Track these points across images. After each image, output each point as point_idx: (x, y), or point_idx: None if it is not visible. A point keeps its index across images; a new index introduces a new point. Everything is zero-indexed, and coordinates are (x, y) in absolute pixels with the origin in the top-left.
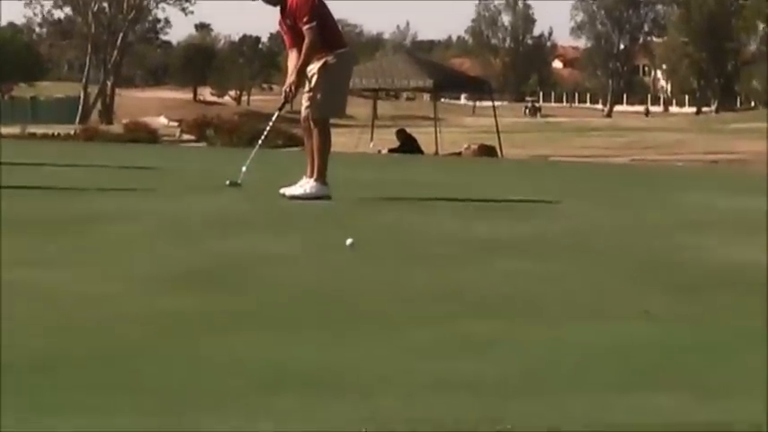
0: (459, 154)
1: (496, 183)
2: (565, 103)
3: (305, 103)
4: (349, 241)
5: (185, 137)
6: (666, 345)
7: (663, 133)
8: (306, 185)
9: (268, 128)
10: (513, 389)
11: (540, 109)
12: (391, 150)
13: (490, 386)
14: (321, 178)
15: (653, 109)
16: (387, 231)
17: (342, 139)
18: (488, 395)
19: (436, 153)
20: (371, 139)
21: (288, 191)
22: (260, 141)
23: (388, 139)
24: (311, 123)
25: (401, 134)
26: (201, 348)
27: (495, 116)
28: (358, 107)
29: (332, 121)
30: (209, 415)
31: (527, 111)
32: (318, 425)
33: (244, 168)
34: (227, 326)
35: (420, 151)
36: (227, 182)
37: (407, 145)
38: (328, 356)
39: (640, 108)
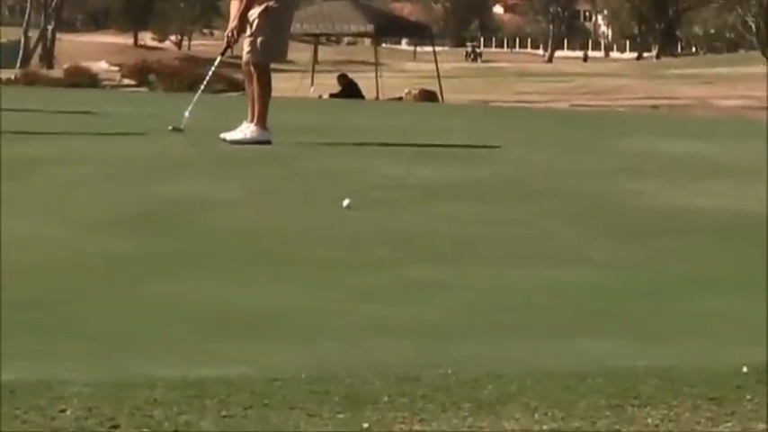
0: (400, 99)
1: (437, 127)
2: (506, 49)
3: (246, 47)
4: (346, 202)
5: (126, 81)
6: (608, 290)
7: (604, 78)
8: (246, 130)
9: (210, 73)
10: (454, 333)
11: (480, 54)
12: (332, 95)
13: (431, 330)
14: (262, 123)
15: (594, 54)
16: (327, 176)
17: (282, 84)
18: (429, 339)
19: (377, 98)
20: (312, 83)
21: (229, 135)
22: (202, 86)
23: (329, 84)
24: (252, 68)
25: (342, 79)
26: (143, 293)
27: (435, 61)
28: (299, 52)
29: (273, 65)
30: (149, 361)
31: (468, 56)
32: (260, 369)
33: (186, 113)
34: (168, 270)
35: (361, 96)
36: (170, 127)
37: (348, 90)
38: (270, 301)
39: (581, 53)
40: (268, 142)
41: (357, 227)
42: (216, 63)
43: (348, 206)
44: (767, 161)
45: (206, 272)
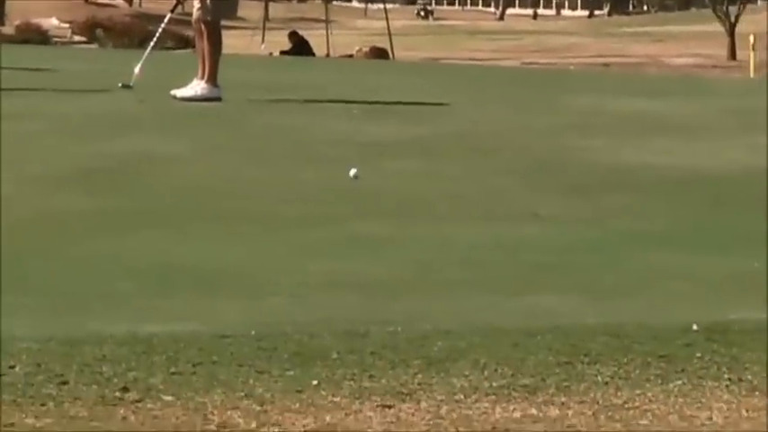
0: (351, 56)
1: (388, 85)
2: (457, 6)
3: (197, 4)
4: (353, 171)
5: (76, 38)
6: (557, 246)
7: (555, 36)
8: (197, 87)
9: (160, 30)
10: (403, 289)
11: (432, 12)
12: (283, 53)
13: (381, 286)
14: (212, 80)
15: (545, 12)
16: (277, 132)
17: (233, 42)
18: (378, 296)
19: (328, 55)
20: (263, 41)
21: (179, 92)
22: (152, 43)
23: (279, 41)
24: (203, 25)
25: (293, 36)
26: (92, 249)
27: (386, 19)
28: (249, 9)
29: (223, 23)
30: (99, 317)
31: (419, 14)
32: (208, 326)
33: (136, 70)
34: (117, 226)
35: (312, 54)
36: (120, 84)
37: (299, 47)
38: (218, 257)
39: (530, 11)
40: (218, 99)
41: (307, 183)
42: (166, 20)
43: (355, 176)
44: (716, 118)
45: (155, 228)
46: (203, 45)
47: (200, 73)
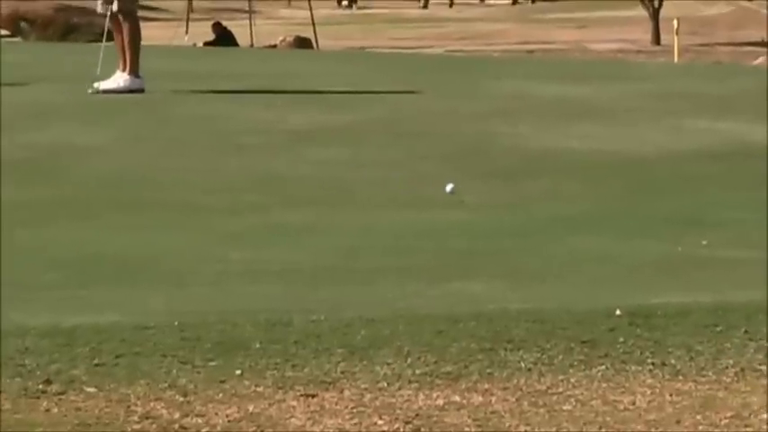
0: (275, 46)
1: (311, 74)
2: None
3: None
4: (449, 187)
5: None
6: (481, 232)
7: (479, 24)
8: (120, 79)
9: (107, 25)
10: (326, 277)
11: (356, 1)
12: (206, 43)
13: (304, 275)
14: (134, 71)
15: (469, 0)
16: (201, 122)
17: (157, 33)
18: (302, 284)
19: (251, 45)
20: (186, 32)
21: (102, 85)
22: (104, 39)
23: (203, 32)
24: (120, 17)
25: (216, 27)
26: (14, 240)
27: (310, 8)
28: (173, 0)
29: (147, 14)
30: (21, 309)
31: (340, 3)
32: (131, 317)
33: (98, 72)
34: (40, 217)
35: (235, 44)
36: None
37: (223, 38)
38: (141, 247)
39: None
40: (141, 90)
41: (230, 172)
42: (108, 13)
43: (451, 191)
44: (640, 103)
45: (78, 218)
46: (122, 37)
47: (121, 65)
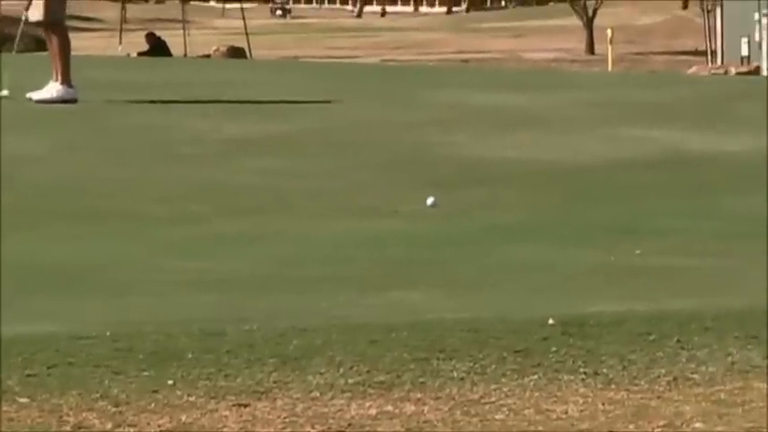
0: (209, 56)
1: (246, 83)
2: (315, 4)
3: (33, 9)
4: (430, 201)
5: None
6: (417, 241)
7: (414, 33)
8: (52, 89)
9: (20, 32)
10: (261, 287)
11: (290, 10)
12: (140, 54)
13: (239, 285)
14: (66, 81)
15: (404, 9)
16: (137, 132)
17: (91, 43)
18: (237, 294)
19: (185, 55)
20: (120, 42)
21: (35, 95)
22: (15, 46)
23: (137, 42)
24: (49, 28)
25: (150, 37)
26: None
27: (243, 18)
28: (107, 10)
29: (80, 24)
30: None
31: (276, 12)
32: (65, 327)
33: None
34: None
35: (169, 54)
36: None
37: (156, 48)
38: (77, 256)
39: (390, 8)
40: (74, 101)
41: (166, 182)
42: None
43: (433, 204)
44: (575, 112)
45: (16, 228)
46: (53, 47)
47: (54, 75)
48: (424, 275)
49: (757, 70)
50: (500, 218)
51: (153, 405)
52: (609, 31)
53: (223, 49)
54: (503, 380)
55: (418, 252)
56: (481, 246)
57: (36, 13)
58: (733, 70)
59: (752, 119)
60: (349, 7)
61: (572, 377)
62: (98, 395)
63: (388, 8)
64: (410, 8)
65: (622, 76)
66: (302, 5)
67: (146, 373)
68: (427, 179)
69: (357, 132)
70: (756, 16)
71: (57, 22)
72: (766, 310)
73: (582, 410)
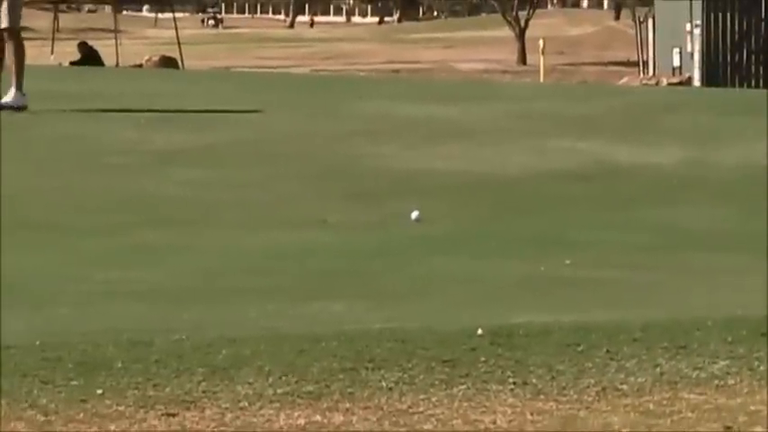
0: (140, 66)
1: (176, 93)
2: (247, 14)
3: None
4: (415, 215)
5: None
6: (343, 252)
7: (345, 43)
8: (11, 95)
9: None
10: (189, 297)
11: (222, 20)
12: (72, 63)
13: (166, 295)
14: (20, 88)
15: (336, 20)
16: (66, 142)
17: None
18: (164, 304)
19: (117, 65)
20: (52, 51)
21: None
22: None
23: (69, 51)
24: (6, 35)
25: (82, 47)
26: None
27: (175, 28)
28: (39, 19)
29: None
30: None
31: (208, 22)
32: None
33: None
34: None
35: (101, 63)
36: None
37: (88, 57)
38: (4, 266)
39: (323, 19)
40: (24, 107)
41: (94, 192)
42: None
43: (417, 219)
44: (504, 123)
45: None
46: (11, 54)
47: (13, 81)
48: (352, 286)
49: (689, 81)
50: (428, 229)
51: (81, 415)
52: (541, 42)
53: (155, 58)
54: (431, 390)
55: (346, 263)
56: (409, 257)
57: (4, 21)
58: (664, 81)
59: (680, 130)
60: (281, 17)
61: (500, 387)
62: (26, 405)
63: (322, 19)
64: (342, 18)
65: (553, 87)
66: (234, 15)
67: (74, 383)
68: (355, 190)
69: (286, 143)
70: (688, 27)
71: (15, 28)
72: (693, 321)
73: (510, 421)
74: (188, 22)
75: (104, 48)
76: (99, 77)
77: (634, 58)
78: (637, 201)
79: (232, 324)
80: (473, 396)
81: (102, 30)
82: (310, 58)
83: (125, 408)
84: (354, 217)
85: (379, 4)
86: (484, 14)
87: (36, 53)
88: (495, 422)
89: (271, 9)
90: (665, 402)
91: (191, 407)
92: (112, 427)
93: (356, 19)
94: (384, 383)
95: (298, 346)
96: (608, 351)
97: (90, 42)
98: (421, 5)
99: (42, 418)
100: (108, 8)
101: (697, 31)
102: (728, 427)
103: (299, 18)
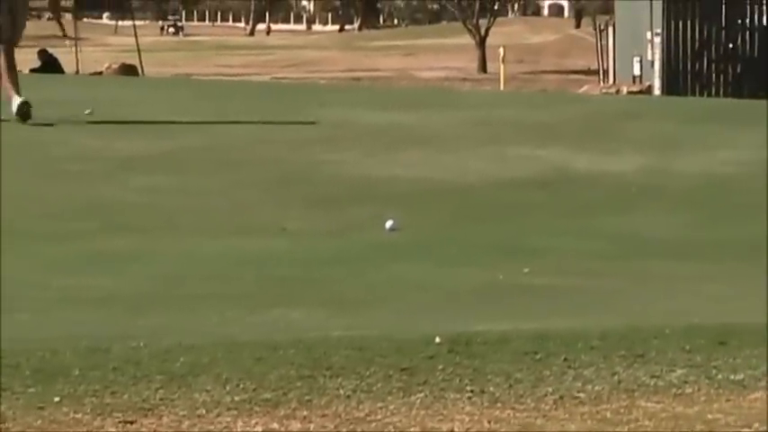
0: (101, 73)
1: (136, 101)
2: (207, 22)
3: None
4: (389, 224)
5: None
6: (302, 259)
7: (305, 51)
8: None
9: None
10: (147, 304)
11: (182, 28)
12: (32, 70)
13: (124, 301)
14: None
15: (297, 27)
16: (23, 148)
17: None
18: (122, 311)
19: (77, 72)
20: None
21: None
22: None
23: (29, 59)
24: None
25: (42, 54)
26: None
27: (135, 35)
28: None
29: None
30: None
31: (167, 29)
32: None
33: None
34: None
35: (61, 71)
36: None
37: (48, 65)
38: None
39: (284, 27)
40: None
41: (52, 199)
42: None
43: (392, 228)
44: (464, 131)
45: None
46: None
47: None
48: (310, 293)
49: (649, 89)
50: (386, 236)
51: (39, 422)
52: (501, 50)
53: (115, 66)
54: (389, 398)
55: (303, 270)
56: (367, 264)
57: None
58: (625, 89)
59: (639, 139)
60: (242, 25)
61: (458, 395)
62: None
63: (283, 27)
64: (303, 26)
65: (513, 95)
66: (195, 23)
67: (32, 390)
68: (314, 197)
69: (245, 150)
70: (649, 35)
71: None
72: (651, 329)
73: (468, 429)
74: (149, 30)
75: (64, 55)
76: (59, 85)
77: (594, 66)
78: (596, 208)
79: (190, 331)
80: (431, 404)
81: (62, 37)
82: (270, 65)
83: (82, 415)
84: (314, 224)
85: (340, 12)
86: (444, 22)
87: None
88: (452, 430)
89: (231, 17)
90: (622, 410)
91: (148, 414)
92: None
93: (317, 27)
94: (342, 391)
95: (256, 354)
96: (566, 359)
97: (50, 49)
98: (381, 13)
99: None
100: (68, 15)
101: (657, 40)
102: None
103: (261, 26)
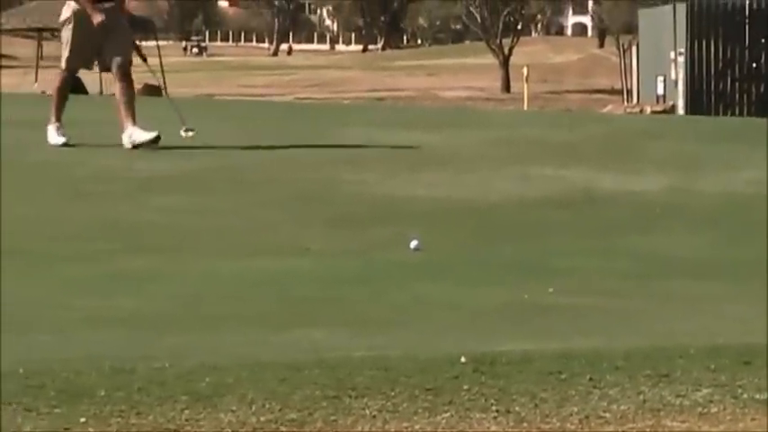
0: None
1: (159, 120)
2: (231, 42)
3: None
4: (414, 243)
5: None
6: (325, 279)
7: (329, 71)
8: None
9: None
10: (170, 325)
11: (206, 48)
12: None
13: (148, 322)
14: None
15: (321, 47)
16: (45, 169)
17: (5, 80)
18: (146, 331)
19: (101, 93)
20: (36, 79)
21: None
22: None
23: (53, 79)
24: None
25: None
26: None
27: (159, 55)
28: (23, 47)
29: None
30: None
31: (191, 49)
32: None
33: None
34: None
35: (85, 91)
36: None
37: (72, 85)
38: None
39: (307, 47)
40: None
41: (74, 220)
42: None
43: (416, 247)
44: (487, 150)
45: None
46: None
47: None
48: (332, 314)
49: (673, 109)
50: (409, 256)
51: None
52: (525, 70)
53: (138, 86)
54: (414, 418)
55: (326, 290)
56: (390, 284)
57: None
58: (648, 109)
59: (663, 158)
60: (265, 45)
61: (484, 415)
62: None
63: (306, 47)
64: (326, 46)
65: (536, 115)
66: (218, 43)
67: (57, 410)
68: (336, 217)
69: (268, 170)
70: (672, 55)
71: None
72: (676, 349)
73: None
74: (171, 50)
75: (88, 75)
76: (82, 105)
77: (618, 85)
78: (619, 228)
79: (213, 351)
80: (456, 424)
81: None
82: (293, 86)
83: None
84: (336, 244)
85: (363, 32)
86: (467, 42)
87: (18, 81)
88: None
89: (255, 37)
90: (648, 430)
91: None
92: None
93: (340, 47)
94: (367, 411)
95: (279, 374)
96: (591, 379)
97: None
98: (405, 33)
99: None
100: None
101: (681, 59)
102: None
103: (283, 46)
